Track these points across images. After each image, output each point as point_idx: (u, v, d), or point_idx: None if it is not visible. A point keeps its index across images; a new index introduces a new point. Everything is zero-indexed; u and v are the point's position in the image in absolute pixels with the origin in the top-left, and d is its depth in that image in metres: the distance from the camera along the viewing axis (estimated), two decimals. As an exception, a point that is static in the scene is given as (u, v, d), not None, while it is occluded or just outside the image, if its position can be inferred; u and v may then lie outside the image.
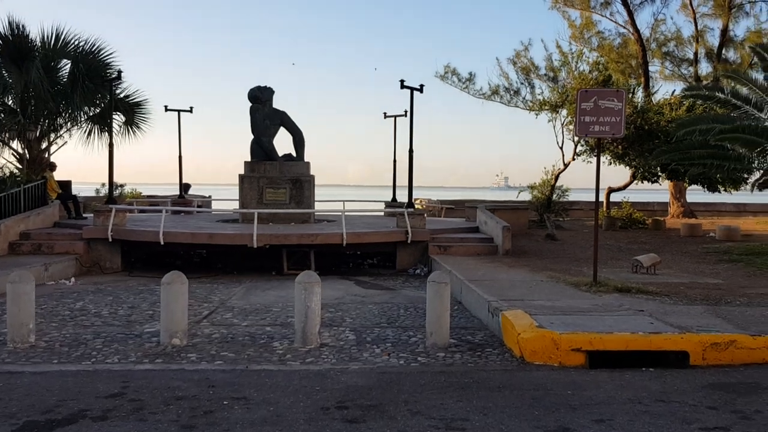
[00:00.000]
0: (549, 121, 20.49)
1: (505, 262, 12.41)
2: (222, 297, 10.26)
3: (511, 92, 25.77)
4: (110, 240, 13.33)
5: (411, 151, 14.62)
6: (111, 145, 14.05)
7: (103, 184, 22.95)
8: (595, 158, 19.79)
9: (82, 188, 22.32)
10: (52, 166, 15.87)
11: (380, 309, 9.21)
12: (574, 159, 19.43)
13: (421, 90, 14.66)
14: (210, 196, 28.99)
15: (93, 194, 22.45)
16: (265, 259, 13.62)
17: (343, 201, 21.57)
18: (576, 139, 19.18)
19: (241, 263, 13.92)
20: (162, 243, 12.90)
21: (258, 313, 8.86)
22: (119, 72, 14.96)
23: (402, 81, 14.33)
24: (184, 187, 29.15)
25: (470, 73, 26.28)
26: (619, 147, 17.28)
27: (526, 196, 20.62)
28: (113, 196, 14.17)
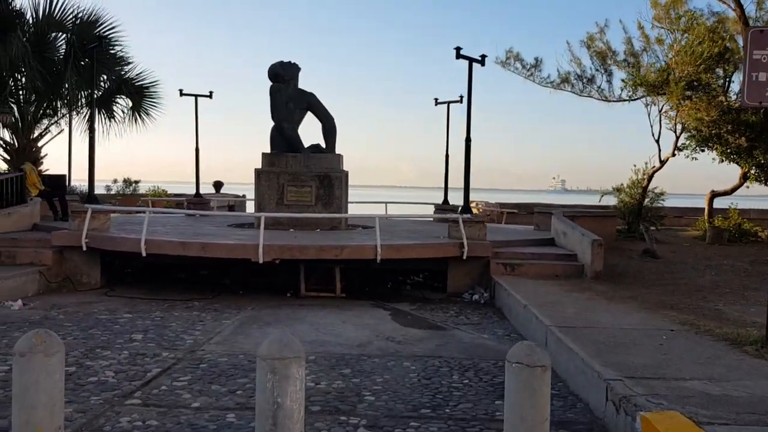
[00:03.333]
0: (646, 106, 16.79)
1: (598, 290, 8.99)
2: (199, 337, 7.21)
3: (584, 80, 22.21)
4: (85, 248, 10.50)
5: (468, 140, 11.32)
6: (92, 129, 11.21)
7: (115, 180, 20.51)
8: (703, 153, 16.22)
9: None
10: (32, 158, 13.21)
11: (422, 370, 5.97)
12: (674, 155, 15.73)
13: (482, 62, 11.34)
14: (244, 195, 26.31)
15: (103, 191, 19.98)
16: (283, 275, 10.61)
17: (385, 203, 18.41)
18: (678, 129, 15.48)
19: (252, 279, 10.96)
20: (144, 254, 9.97)
21: (233, 374, 5.73)
22: (101, 38, 12.15)
23: (458, 49, 11.03)
24: (216, 185, 26.55)
25: (536, 59, 22.78)
26: (743, 139, 13.57)
27: (608, 200, 17.03)
28: (94, 194, 11.34)
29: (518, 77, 23.22)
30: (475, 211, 19.96)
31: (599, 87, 21.68)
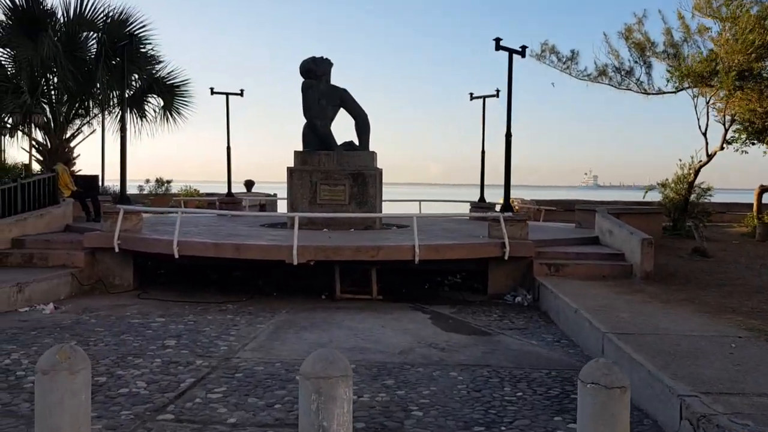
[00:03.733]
0: (694, 97, 16.12)
1: (651, 292, 8.50)
2: (234, 343, 6.92)
3: (622, 72, 21.57)
4: (117, 250, 10.32)
5: (508, 135, 10.88)
6: (123, 129, 11.04)
7: (147, 180, 20.46)
8: (753, 146, 15.51)
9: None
10: (64, 158, 13.10)
11: (470, 381, 5.58)
12: (722, 148, 15.06)
13: (523, 53, 10.88)
14: (275, 195, 26.17)
15: (136, 191, 19.93)
16: (317, 276, 10.32)
17: (419, 201, 18.02)
18: (728, 121, 14.80)
19: (286, 281, 10.70)
20: (176, 256, 9.74)
21: (270, 386, 5.41)
22: (131, 35, 11.96)
23: (498, 40, 10.60)
24: (247, 184, 26.44)
25: (572, 51, 22.19)
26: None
27: (652, 197, 16.41)
28: (126, 195, 11.17)
29: (553, 71, 22.63)
30: (510, 208, 19.47)
31: (638, 79, 21.04)
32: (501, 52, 10.81)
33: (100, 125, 16.10)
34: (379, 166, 12.95)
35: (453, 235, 11.47)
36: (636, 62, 21.14)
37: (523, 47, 10.94)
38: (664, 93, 20.89)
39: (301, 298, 9.85)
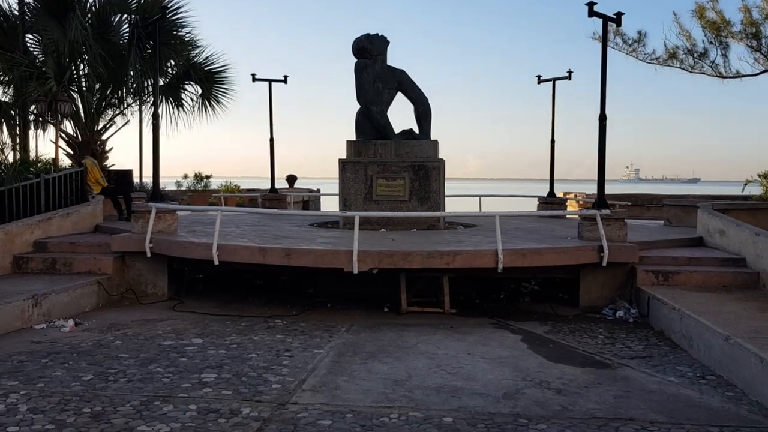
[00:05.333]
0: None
1: (802, 310, 6.79)
2: (288, 378, 5.47)
3: (695, 54, 19.72)
4: (149, 254, 9.02)
5: (603, 118, 9.18)
6: (156, 116, 9.69)
7: (185, 176, 19.28)
8: None
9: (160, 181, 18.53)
10: (91, 151, 11.88)
11: (619, 448, 4.01)
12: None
13: (618, 21, 9.21)
14: (318, 190, 24.81)
15: (173, 187, 18.74)
16: (375, 284, 8.91)
17: (479, 196, 16.39)
18: None
19: (339, 288, 9.33)
20: (216, 262, 8.36)
21: (344, 453, 3.93)
22: (164, 8, 10.62)
23: (590, 5, 8.92)
24: (290, 180, 25.12)
25: (639, 32, 20.39)
26: None
27: (751, 190, 14.51)
28: (159, 191, 9.85)
29: (617, 54, 20.75)
30: (571, 203, 17.76)
31: (713, 62, 19.26)
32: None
33: (134, 116, 15.01)
34: (441, 156, 11.41)
35: (534, 236, 9.86)
36: (711, 43, 19.34)
37: (619, 14, 9.26)
38: (743, 76, 19.01)
39: (360, 310, 8.43)
